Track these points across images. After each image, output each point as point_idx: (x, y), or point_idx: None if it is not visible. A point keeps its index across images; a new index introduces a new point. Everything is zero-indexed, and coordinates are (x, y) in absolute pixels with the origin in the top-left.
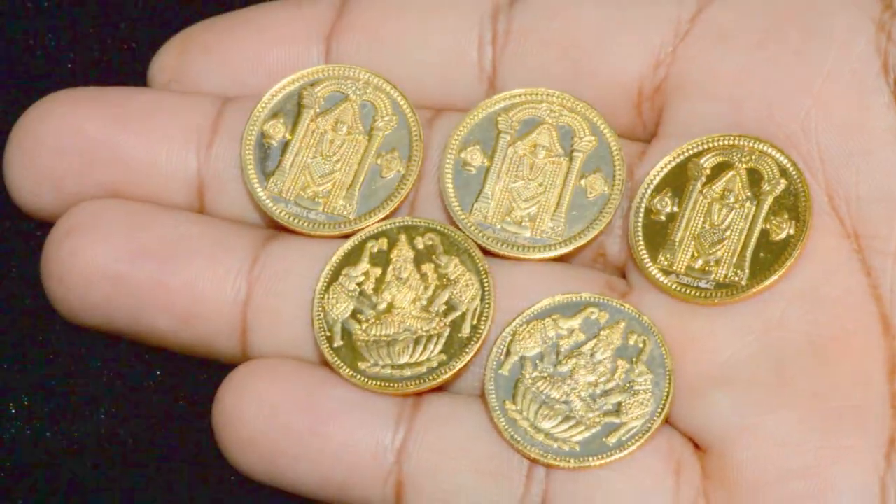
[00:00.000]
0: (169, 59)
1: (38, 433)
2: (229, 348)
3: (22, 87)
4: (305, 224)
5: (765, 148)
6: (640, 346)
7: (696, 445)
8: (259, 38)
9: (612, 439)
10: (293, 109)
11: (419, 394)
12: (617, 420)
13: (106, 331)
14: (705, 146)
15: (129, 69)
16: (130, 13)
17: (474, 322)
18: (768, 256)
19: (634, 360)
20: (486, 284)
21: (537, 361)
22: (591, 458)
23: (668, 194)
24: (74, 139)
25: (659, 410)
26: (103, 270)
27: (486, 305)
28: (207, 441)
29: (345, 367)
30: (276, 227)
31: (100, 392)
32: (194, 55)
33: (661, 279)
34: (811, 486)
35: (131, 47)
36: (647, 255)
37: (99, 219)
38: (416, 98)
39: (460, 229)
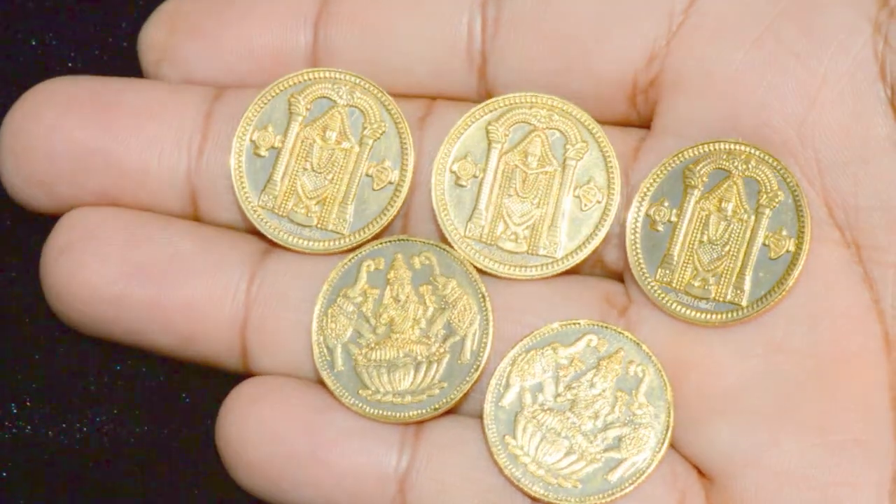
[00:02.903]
0: (157, 36)
1: (38, 433)
2: (231, 365)
3: (22, 87)
4: (300, 242)
5: (762, 156)
6: (640, 375)
7: (701, 472)
8: (246, 23)
9: (614, 476)
10: (282, 118)
11: (421, 422)
12: (618, 455)
13: (108, 341)
14: (701, 152)
15: (130, 69)
16: (131, 12)
17: (474, 347)
18: (767, 276)
19: (634, 391)
20: (484, 309)
21: (537, 392)
22: (592, 497)
23: (665, 204)
24: (65, 145)
25: (659, 445)
26: (100, 292)
27: (485, 332)
28: (208, 441)
29: (347, 395)
30: (271, 242)
31: (100, 392)
32: (183, 38)
33: (661, 298)
34: None
35: (132, 47)
36: (645, 270)
37: (92, 235)
38: (406, 86)
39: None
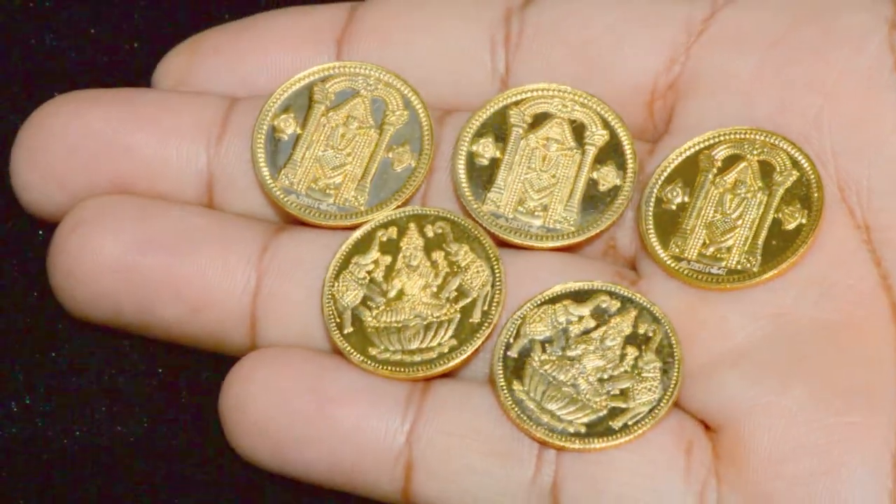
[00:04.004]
0: (176, 63)
1: (38, 433)
2: (238, 339)
3: (22, 86)
4: (316, 215)
5: (776, 141)
6: (650, 334)
7: (707, 427)
8: (269, 42)
9: (618, 423)
10: (304, 105)
11: (429, 379)
12: (623, 405)
13: (112, 324)
14: (717, 139)
15: (130, 69)
16: (131, 13)
17: (485, 308)
18: (780, 244)
19: (644, 347)
20: (496, 271)
21: (546, 345)
22: (595, 440)
23: (679, 184)
24: (83, 136)
25: (666, 397)
26: (112, 261)
27: (497, 291)
28: (208, 441)
29: (355, 353)
30: (287, 221)
31: (100, 392)
32: (203, 57)
33: (673, 265)
34: (823, 463)
35: (132, 47)
36: (657, 243)
37: (107, 212)
38: (428, 100)
39: (472, 218)
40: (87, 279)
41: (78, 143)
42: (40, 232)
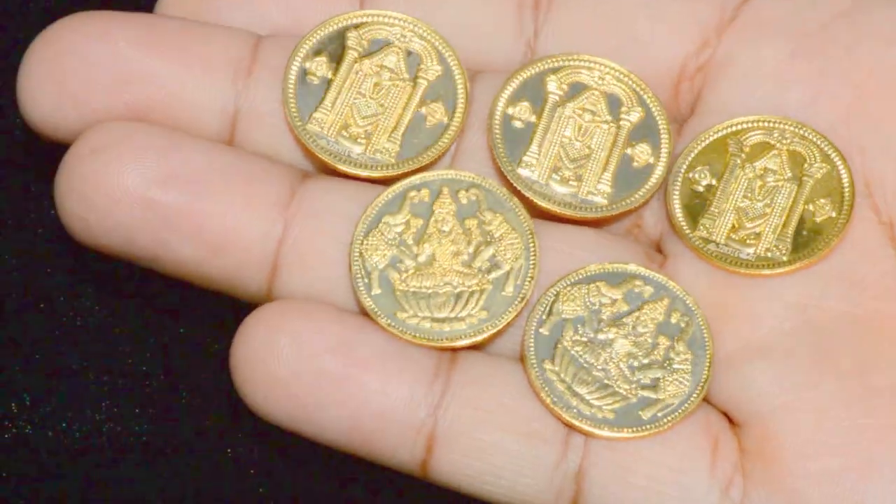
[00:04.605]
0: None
1: (39, 433)
2: (254, 286)
3: None
4: (346, 162)
5: (806, 133)
6: (683, 325)
7: (732, 422)
8: None
9: (648, 414)
10: (336, 49)
11: (457, 350)
12: (653, 395)
13: (121, 256)
14: (747, 125)
15: None
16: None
17: (518, 281)
18: (809, 235)
19: (676, 338)
20: (531, 245)
21: (578, 325)
22: (624, 429)
23: (707, 168)
24: (105, 55)
25: (697, 392)
26: (132, 193)
27: (531, 265)
28: (209, 440)
29: (383, 316)
30: (314, 167)
31: (100, 392)
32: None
33: (702, 246)
34: (851, 462)
35: None
36: (686, 224)
37: (130, 140)
38: None
39: (506, 182)
40: (103, 208)
41: (99, 61)
42: (40, 230)
